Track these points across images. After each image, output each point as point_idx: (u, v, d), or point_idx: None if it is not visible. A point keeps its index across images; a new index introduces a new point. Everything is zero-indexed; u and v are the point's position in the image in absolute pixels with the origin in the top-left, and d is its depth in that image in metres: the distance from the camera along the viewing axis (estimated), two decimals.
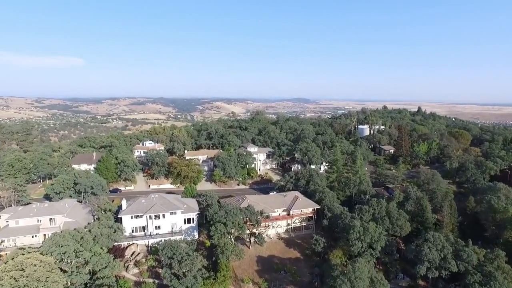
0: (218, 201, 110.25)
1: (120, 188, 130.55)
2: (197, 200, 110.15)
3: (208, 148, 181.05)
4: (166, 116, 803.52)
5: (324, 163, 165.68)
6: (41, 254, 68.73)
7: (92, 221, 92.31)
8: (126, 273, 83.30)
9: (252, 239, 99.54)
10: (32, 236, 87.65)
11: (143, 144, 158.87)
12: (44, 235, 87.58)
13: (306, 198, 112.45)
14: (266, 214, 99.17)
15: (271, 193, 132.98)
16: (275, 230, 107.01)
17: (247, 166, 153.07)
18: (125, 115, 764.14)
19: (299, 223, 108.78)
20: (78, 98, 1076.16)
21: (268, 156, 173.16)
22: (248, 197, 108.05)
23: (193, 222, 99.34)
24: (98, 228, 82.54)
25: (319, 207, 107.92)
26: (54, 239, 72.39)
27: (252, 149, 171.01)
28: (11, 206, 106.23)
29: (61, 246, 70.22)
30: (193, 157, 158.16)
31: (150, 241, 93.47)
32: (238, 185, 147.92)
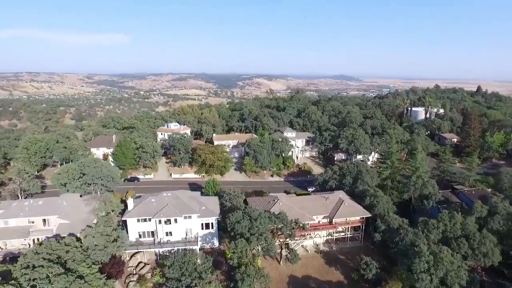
0: (245, 200, 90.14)
1: (138, 176, 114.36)
2: (220, 195, 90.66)
3: (241, 131, 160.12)
4: (207, 92, 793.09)
5: (373, 153, 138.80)
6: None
7: (93, 222, 75.72)
8: None
9: (284, 252, 78.69)
10: (24, 239, 72.99)
11: (167, 126, 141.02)
12: (38, 238, 72.55)
13: (353, 202, 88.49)
14: (302, 223, 76.99)
15: (309, 189, 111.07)
16: (313, 240, 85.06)
17: (283, 155, 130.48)
18: (167, 90, 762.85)
19: (343, 234, 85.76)
20: (125, 74, 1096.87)
21: (307, 142, 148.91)
22: (280, 199, 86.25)
23: (212, 228, 79.92)
24: (93, 237, 65.32)
25: (370, 215, 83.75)
26: (27, 258, 55.82)
27: (290, 134, 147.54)
28: (19, 197, 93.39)
29: (34, 268, 53.42)
30: (222, 142, 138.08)
31: (160, 250, 75.68)
32: (272, 176, 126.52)
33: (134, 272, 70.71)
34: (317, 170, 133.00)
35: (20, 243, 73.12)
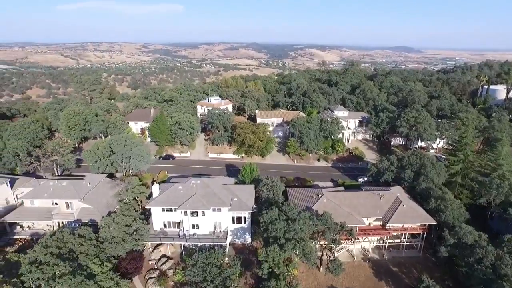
0: (285, 191, 78.46)
1: (174, 154, 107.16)
2: (258, 181, 79.74)
3: (287, 108, 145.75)
4: (258, 62, 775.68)
5: (438, 139, 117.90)
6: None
7: (116, 208, 69.34)
8: None
9: (325, 257, 66.93)
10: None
11: (208, 100, 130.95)
12: (63, 222, 68.00)
13: (413, 203, 72.47)
14: (350, 227, 63.81)
15: (360, 179, 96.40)
16: (360, 245, 71.69)
17: (332, 137, 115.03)
18: (218, 60, 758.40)
19: (399, 240, 71.02)
20: (178, 43, 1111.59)
21: (360, 123, 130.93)
22: (325, 194, 72.96)
23: (244, 222, 69.84)
24: (109, 227, 58.37)
25: (434, 223, 67.62)
26: (35, 251, 49.97)
27: (341, 113, 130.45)
28: (54, 172, 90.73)
29: (39, 266, 47.22)
30: (265, 120, 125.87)
31: (185, 243, 67.59)
32: (318, 160, 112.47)
33: (156, 267, 63.55)
34: (370, 156, 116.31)
35: (46, 224, 69.38)
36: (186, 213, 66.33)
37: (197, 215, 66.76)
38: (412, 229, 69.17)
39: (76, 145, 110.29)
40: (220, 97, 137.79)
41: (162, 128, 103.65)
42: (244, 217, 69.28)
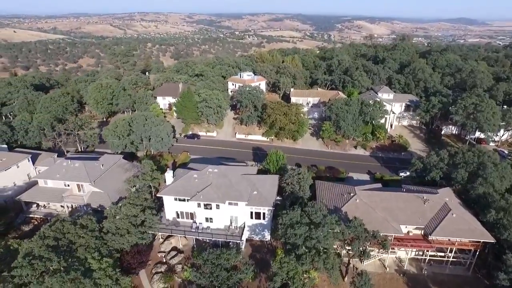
0: (313, 184, 69.12)
1: (199, 133, 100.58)
2: (285, 169, 71.26)
3: (325, 87, 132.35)
4: (302, 34, 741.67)
5: (502, 131, 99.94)
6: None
7: (127, 194, 64.34)
8: None
9: (351, 264, 57.91)
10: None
11: (240, 76, 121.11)
12: (73, 205, 64.68)
13: (465, 212, 59.80)
14: (384, 237, 53.68)
15: (401, 174, 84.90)
16: (395, 254, 61.32)
17: (373, 122, 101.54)
18: (261, 31, 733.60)
19: (443, 254, 59.55)
20: (222, 13, 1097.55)
21: (407, 107, 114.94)
22: (359, 193, 62.53)
23: (264, 218, 62.06)
24: (114, 217, 53.37)
25: (493, 241, 54.99)
26: (34, 241, 46.18)
27: (386, 95, 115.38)
28: (78, 148, 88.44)
29: (31, 261, 43.08)
30: (300, 99, 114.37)
31: (197, 237, 61.59)
32: (355, 148, 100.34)
33: (164, 261, 58.46)
34: (415, 145, 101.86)
35: (60, 205, 66.58)
36: (199, 204, 59.79)
37: (211, 208, 59.99)
38: (461, 244, 57.19)
39: (104, 119, 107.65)
40: (254, 73, 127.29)
41: (188, 105, 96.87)
42: (264, 213, 61.44)
